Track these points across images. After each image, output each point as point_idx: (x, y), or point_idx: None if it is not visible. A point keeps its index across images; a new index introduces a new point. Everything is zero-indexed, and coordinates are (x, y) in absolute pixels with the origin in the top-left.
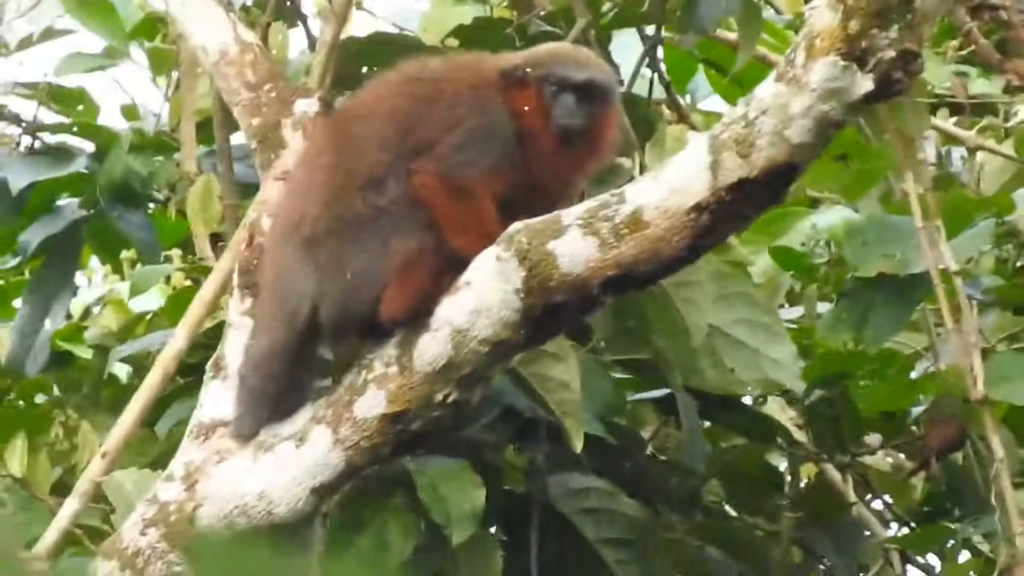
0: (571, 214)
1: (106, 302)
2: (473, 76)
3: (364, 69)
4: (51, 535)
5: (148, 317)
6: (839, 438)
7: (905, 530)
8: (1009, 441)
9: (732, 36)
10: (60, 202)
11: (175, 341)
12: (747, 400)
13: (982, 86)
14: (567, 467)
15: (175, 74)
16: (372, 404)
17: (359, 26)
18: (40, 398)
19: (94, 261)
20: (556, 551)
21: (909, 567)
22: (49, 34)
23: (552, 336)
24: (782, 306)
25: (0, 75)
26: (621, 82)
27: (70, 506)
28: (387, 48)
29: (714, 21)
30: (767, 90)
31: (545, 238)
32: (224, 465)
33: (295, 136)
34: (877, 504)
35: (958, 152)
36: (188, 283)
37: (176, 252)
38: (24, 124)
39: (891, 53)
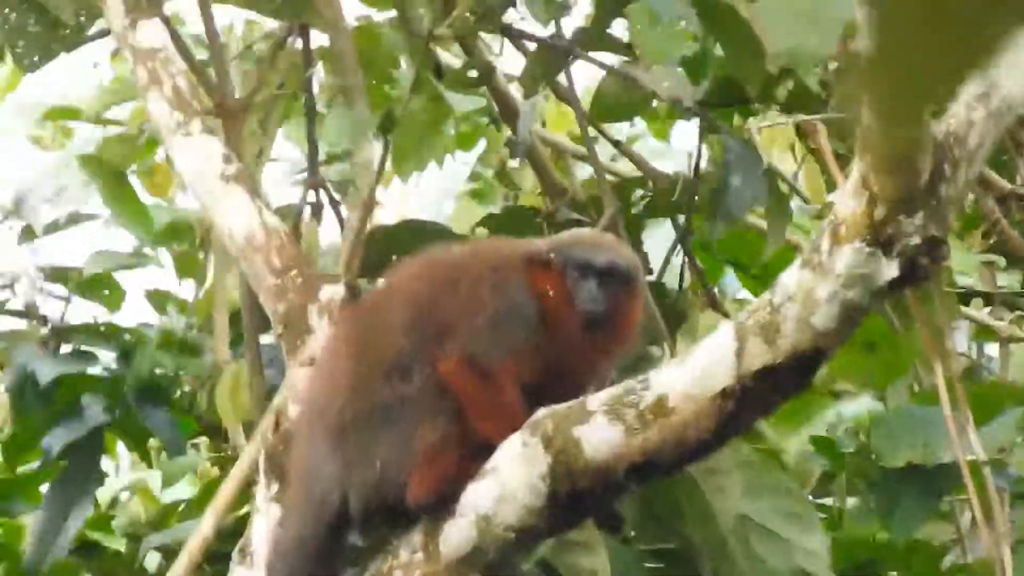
0: (596, 400)
1: (134, 490)
2: (496, 259)
3: (393, 256)
4: None
5: (180, 507)
6: None
7: None
8: None
9: (762, 223)
10: (85, 401)
11: (202, 528)
12: None
13: (1006, 279)
14: None
15: (201, 280)
16: None
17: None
18: None
19: (120, 447)
20: None
21: None
22: (75, 219)
23: (579, 523)
24: (818, 496)
25: (27, 260)
26: (650, 271)
27: None
28: (416, 235)
29: (744, 210)
30: (792, 276)
31: (570, 424)
32: None
33: (321, 322)
34: None
35: (988, 347)
36: (217, 472)
37: (203, 439)
38: (52, 327)
39: (917, 239)
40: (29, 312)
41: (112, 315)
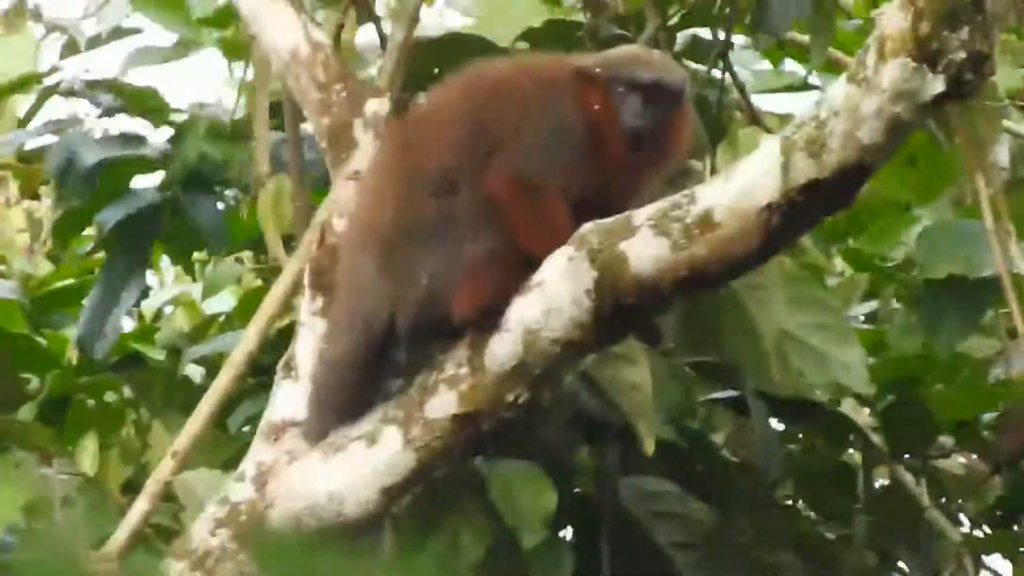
0: (642, 215)
1: (178, 304)
2: (543, 76)
3: (436, 70)
4: (121, 534)
5: (220, 319)
6: (912, 441)
7: (978, 533)
8: None
9: (804, 39)
10: (137, 184)
11: (246, 342)
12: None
13: None
14: (638, 470)
15: (249, 65)
16: (443, 404)
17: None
18: (110, 397)
19: (165, 262)
20: (626, 555)
21: (982, 571)
22: (118, 33)
23: (622, 337)
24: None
25: (72, 73)
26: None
27: (140, 505)
28: (459, 49)
29: (786, 24)
30: (838, 91)
31: (616, 239)
32: (294, 465)
33: (366, 136)
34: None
35: None
36: (260, 284)
37: (247, 254)
38: (99, 107)
39: (962, 54)
40: (78, 92)
41: (158, 129)
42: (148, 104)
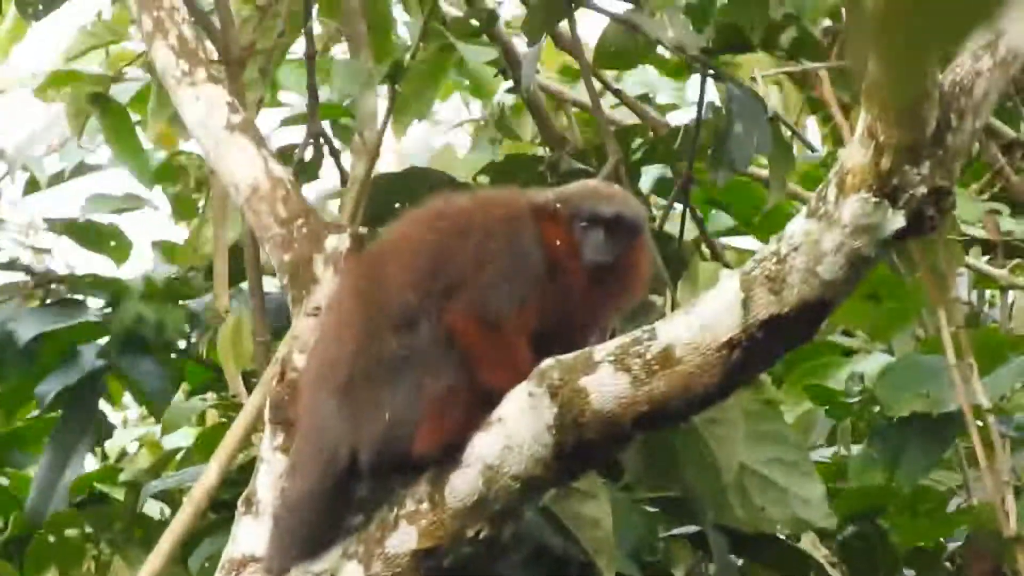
0: (603, 350)
1: (142, 444)
2: (503, 211)
3: (396, 204)
4: None
5: (180, 454)
6: (873, 574)
7: None
8: None
9: (763, 173)
10: (81, 348)
11: (207, 477)
12: (781, 536)
13: (1013, 225)
14: None
15: (196, 220)
16: (403, 540)
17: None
18: (71, 532)
19: (128, 399)
20: None
21: None
22: (81, 170)
23: (583, 473)
24: (820, 446)
25: (27, 213)
26: (653, 219)
27: None
28: (420, 184)
29: (746, 159)
30: (799, 226)
31: (577, 374)
32: None
33: (326, 272)
34: None
35: (990, 292)
36: (221, 420)
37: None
38: (35, 276)
39: (923, 189)
40: (14, 266)
41: (120, 267)
42: (110, 242)
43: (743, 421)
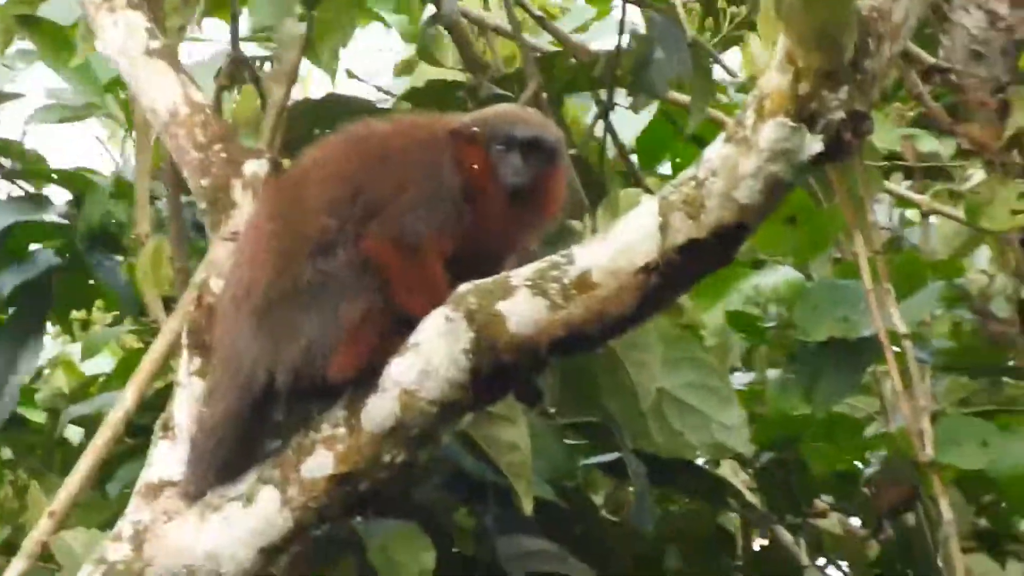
0: (520, 275)
1: (57, 363)
2: (421, 136)
3: (315, 131)
4: None
5: (100, 379)
6: (790, 500)
7: None
8: (958, 504)
9: (685, 98)
10: (35, 248)
11: (124, 402)
12: (700, 462)
13: (930, 145)
14: (518, 530)
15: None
16: (320, 465)
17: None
18: None
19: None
20: None
21: None
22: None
23: (500, 398)
24: (736, 369)
25: None
26: (572, 144)
27: (17, 565)
28: (338, 110)
29: (666, 84)
30: (717, 151)
31: (494, 299)
32: (172, 525)
33: (245, 197)
34: (829, 568)
35: (911, 217)
36: (139, 345)
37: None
38: (2, 169)
39: (840, 114)
40: None
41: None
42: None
43: (661, 346)
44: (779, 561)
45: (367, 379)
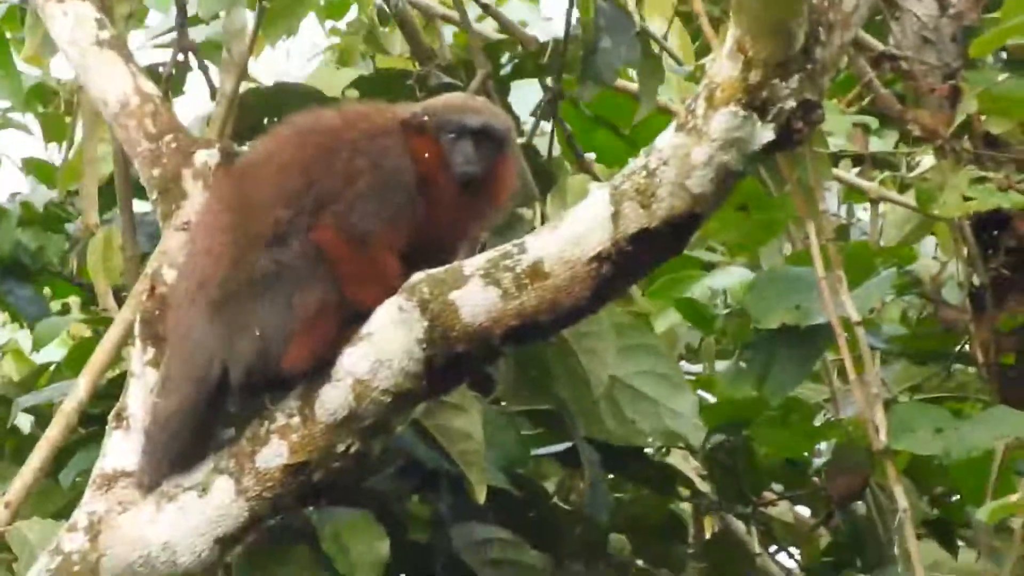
0: (473, 264)
1: (5, 351)
2: (372, 126)
3: (265, 120)
4: None
5: (50, 368)
6: (741, 488)
7: None
8: (911, 492)
9: (633, 87)
10: None
11: (77, 392)
12: (650, 451)
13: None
14: (471, 518)
15: (67, 142)
16: (274, 455)
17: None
18: None
19: None
20: None
21: None
22: None
23: (454, 387)
24: (682, 358)
25: None
26: (521, 132)
27: None
28: (288, 99)
29: (613, 72)
30: (668, 140)
31: (447, 288)
32: (127, 515)
33: (196, 187)
34: (781, 556)
35: (860, 205)
36: (90, 334)
37: (75, 300)
38: None
39: (791, 103)
40: None
41: None
42: None
43: (613, 334)
44: (731, 548)
45: (321, 370)
